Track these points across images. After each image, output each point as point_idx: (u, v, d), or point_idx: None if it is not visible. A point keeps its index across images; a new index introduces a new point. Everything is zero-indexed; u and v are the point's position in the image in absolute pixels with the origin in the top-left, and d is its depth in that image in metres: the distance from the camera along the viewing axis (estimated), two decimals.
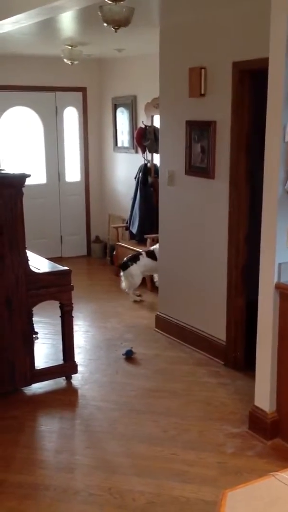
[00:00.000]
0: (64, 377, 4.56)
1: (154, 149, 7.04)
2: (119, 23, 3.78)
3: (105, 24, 3.83)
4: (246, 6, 4.19)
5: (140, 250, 6.72)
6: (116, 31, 3.87)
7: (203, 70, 4.66)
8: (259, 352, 3.77)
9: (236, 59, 4.35)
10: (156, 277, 6.50)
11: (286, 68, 3.35)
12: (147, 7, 4.28)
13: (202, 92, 4.69)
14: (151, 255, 6.48)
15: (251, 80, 4.40)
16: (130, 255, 6.76)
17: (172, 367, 4.85)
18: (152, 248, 6.59)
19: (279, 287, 3.60)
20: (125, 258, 6.72)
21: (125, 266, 6.57)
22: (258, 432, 3.75)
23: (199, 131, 4.82)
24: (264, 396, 3.74)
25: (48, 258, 4.82)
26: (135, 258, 6.57)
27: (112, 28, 3.85)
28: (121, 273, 6.66)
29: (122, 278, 6.66)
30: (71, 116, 8.49)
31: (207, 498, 3.12)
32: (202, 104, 4.77)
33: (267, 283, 3.66)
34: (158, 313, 5.65)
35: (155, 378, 4.65)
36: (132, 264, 6.52)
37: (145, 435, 3.80)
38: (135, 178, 7.50)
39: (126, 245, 7.40)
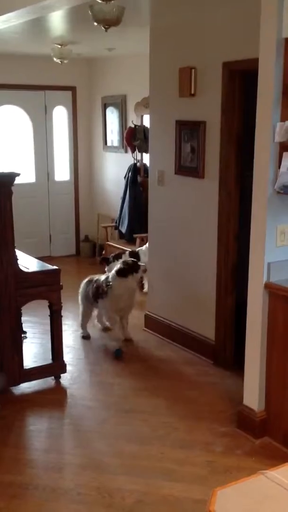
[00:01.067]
0: (52, 377, 4.55)
1: (143, 149, 7.05)
2: (110, 22, 3.79)
3: (95, 23, 3.84)
4: (236, 6, 4.20)
5: (126, 249, 6.59)
6: (106, 31, 3.88)
7: (193, 70, 4.66)
8: (248, 351, 3.78)
9: (226, 59, 4.36)
10: (145, 284, 6.23)
11: (276, 68, 3.37)
12: (137, 7, 4.28)
13: (192, 92, 4.70)
14: (134, 256, 6.14)
15: (241, 80, 4.41)
16: (114, 254, 6.55)
17: (161, 366, 4.85)
18: (137, 249, 6.43)
19: (268, 286, 3.61)
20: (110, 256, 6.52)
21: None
22: (246, 431, 3.77)
23: (189, 131, 4.83)
24: (252, 395, 3.75)
25: (37, 258, 4.81)
26: (118, 256, 6.30)
27: (103, 28, 3.86)
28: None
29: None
30: (60, 115, 8.47)
31: (196, 497, 3.13)
32: (192, 104, 4.78)
33: (256, 283, 3.67)
34: (147, 312, 5.65)
35: (144, 377, 4.65)
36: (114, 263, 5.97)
37: (134, 434, 3.80)
38: (124, 177, 7.50)
39: (115, 245, 7.39)
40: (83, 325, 5.51)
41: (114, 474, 3.38)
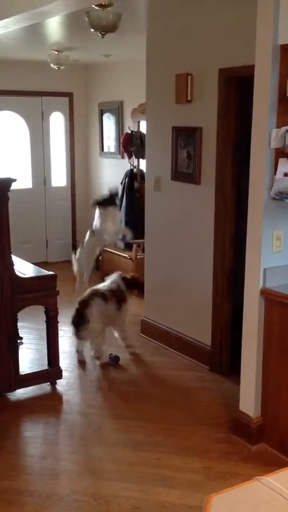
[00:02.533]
0: (48, 383, 4.54)
1: (140, 155, 7.06)
2: (106, 29, 3.79)
3: (92, 30, 3.84)
4: (232, 13, 4.22)
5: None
6: (103, 37, 3.88)
7: (189, 76, 4.68)
8: (244, 357, 3.78)
9: (222, 66, 4.38)
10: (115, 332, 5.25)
11: (272, 75, 3.38)
12: (134, 13, 4.30)
13: (189, 98, 4.72)
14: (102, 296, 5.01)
15: (237, 87, 4.43)
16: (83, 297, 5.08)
17: (158, 372, 4.84)
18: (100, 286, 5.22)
19: (264, 292, 3.62)
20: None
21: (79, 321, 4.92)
22: (243, 437, 3.76)
23: (186, 137, 4.84)
24: (249, 401, 3.75)
25: (33, 263, 4.80)
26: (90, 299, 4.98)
27: (99, 34, 3.86)
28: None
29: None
30: (57, 121, 8.48)
31: (192, 503, 3.12)
32: (188, 110, 4.79)
33: (252, 288, 3.68)
34: (144, 318, 5.65)
35: (140, 383, 4.65)
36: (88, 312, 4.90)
37: (130, 441, 3.79)
38: (121, 183, 7.50)
39: (112, 251, 7.39)
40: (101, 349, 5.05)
41: (110, 480, 3.36)
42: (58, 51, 6.19)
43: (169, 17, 4.53)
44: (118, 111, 7.80)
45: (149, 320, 5.57)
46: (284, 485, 1.64)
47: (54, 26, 4.92)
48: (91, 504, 3.14)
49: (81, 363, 5.03)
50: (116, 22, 3.69)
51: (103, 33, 3.82)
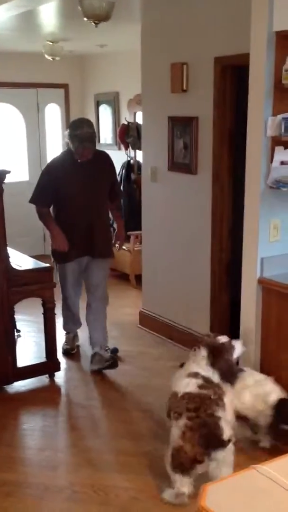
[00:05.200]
0: (47, 375, 4.53)
1: (137, 146, 7.03)
2: (99, 17, 3.77)
3: (85, 19, 3.81)
4: (227, 0, 4.18)
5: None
6: (96, 26, 3.86)
7: (185, 65, 4.64)
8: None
9: (217, 55, 4.35)
10: None
11: (267, 62, 3.36)
12: (128, 2, 4.26)
13: (184, 87, 4.68)
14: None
15: (233, 75, 4.39)
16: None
17: (157, 364, 4.83)
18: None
19: (261, 282, 3.61)
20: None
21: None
22: (242, 426, 3.74)
23: (182, 127, 4.81)
24: None
25: (31, 256, 4.78)
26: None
27: (93, 23, 3.84)
28: None
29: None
30: (53, 113, 8.43)
31: (190, 493, 3.11)
32: (184, 100, 4.76)
33: (249, 278, 3.67)
34: (142, 309, 5.64)
35: (139, 375, 4.64)
36: None
37: (128, 432, 3.78)
38: (118, 175, 7.46)
39: None
40: None
41: (108, 471, 3.36)
42: (52, 42, 6.15)
43: (164, 5, 4.49)
44: (114, 102, 7.75)
45: (147, 312, 5.56)
46: (281, 473, 1.64)
47: (48, 16, 4.88)
48: (89, 495, 3.13)
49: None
50: (109, 11, 3.66)
51: (96, 22, 3.79)
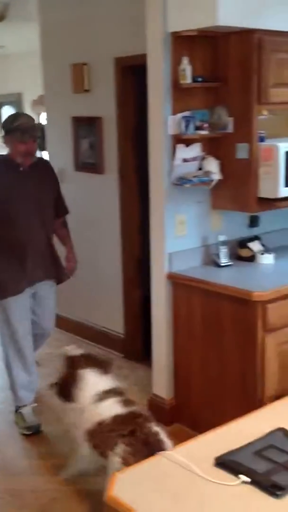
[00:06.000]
0: None
1: (42, 147, 6.96)
2: None
3: None
4: (125, 1, 4.23)
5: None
6: None
7: (85, 66, 4.66)
8: (155, 342, 3.85)
9: (117, 55, 4.39)
10: None
11: (164, 62, 3.43)
12: (23, 2, 4.22)
13: (86, 88, 4.70)
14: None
15: (134, 75, 4.45)
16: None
17: None
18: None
19: (170, 276, 3.69)
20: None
21: None
22: (158, 419, 3.77)
23: (86, 126, 4.83)
24: (161, 384, 3.82)
25: None
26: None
27: None
28: None
29: None
30: None
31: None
32: (87, 100, 4.78)
33: (159, 273, 3.74)
34: (56, 312, 5.58)
35: (54, 375, 4.59)
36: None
37: (44, 434, 3.75)
38: None
39: None
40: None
41: (25, 475, 3.33)
42: None
43: (61, 5, 4.48)
44: (17, 103, 7.65)
45: (61, 313, 5.51)
46: (186, 457, 1.70)
47: None
48: (6, 501, 3.09)
49: None
50: (4, 11, 3.61)
51: None
